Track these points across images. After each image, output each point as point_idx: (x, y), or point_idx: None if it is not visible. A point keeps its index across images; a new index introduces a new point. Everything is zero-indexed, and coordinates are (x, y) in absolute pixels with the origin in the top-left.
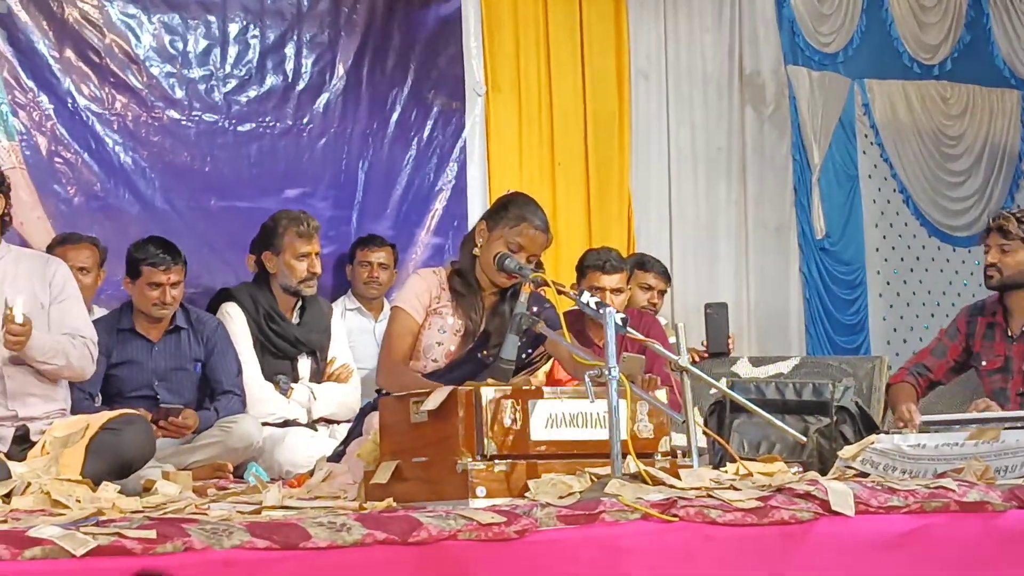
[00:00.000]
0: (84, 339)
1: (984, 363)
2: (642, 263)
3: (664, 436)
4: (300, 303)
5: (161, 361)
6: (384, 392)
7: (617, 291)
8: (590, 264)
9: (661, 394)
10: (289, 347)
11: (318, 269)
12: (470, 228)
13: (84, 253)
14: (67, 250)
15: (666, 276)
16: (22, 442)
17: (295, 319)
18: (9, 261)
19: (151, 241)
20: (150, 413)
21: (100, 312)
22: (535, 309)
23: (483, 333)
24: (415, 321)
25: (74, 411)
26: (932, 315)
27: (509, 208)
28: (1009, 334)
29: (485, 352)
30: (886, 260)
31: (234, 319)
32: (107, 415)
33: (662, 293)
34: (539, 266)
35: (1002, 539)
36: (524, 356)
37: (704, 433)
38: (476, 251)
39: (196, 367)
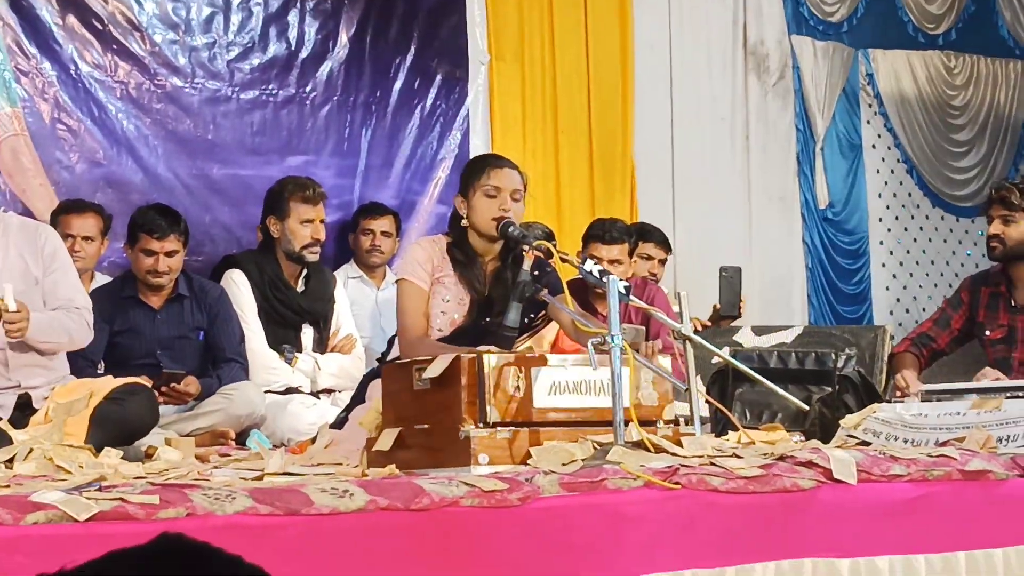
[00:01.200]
0: (79, 309)
1: (988, 333)
2: (642, 232)
3: (668, 404)
4: (305, 272)
5: (164, 329)
6: (386, 359)
7: (616, 262)
8: (591, 234)
9: (665, 361)
10: (293, 315)
11: (322, 235)
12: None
13: (90, 221)
14: (72, 218)
15: (666, 245)
16: (24, 409)
17: (300, 287)
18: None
19: (154, 208)
20: (152, 380)
21: (103, 279)
22: (536, 273)
23: (487, 299)
24: (423, 290)
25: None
26: (935, 285)
27: (472, 167)
28: (1013, 304)
29: (489, 319)
30: (889, 230)
31: (239, 286)
32: (111, 384)
33: (663, 262)
34: (550, 236)
35: (1004, 508)
36: (527, 320)
37: (707, 401)
38: (464, 223)
39: (199, 335)
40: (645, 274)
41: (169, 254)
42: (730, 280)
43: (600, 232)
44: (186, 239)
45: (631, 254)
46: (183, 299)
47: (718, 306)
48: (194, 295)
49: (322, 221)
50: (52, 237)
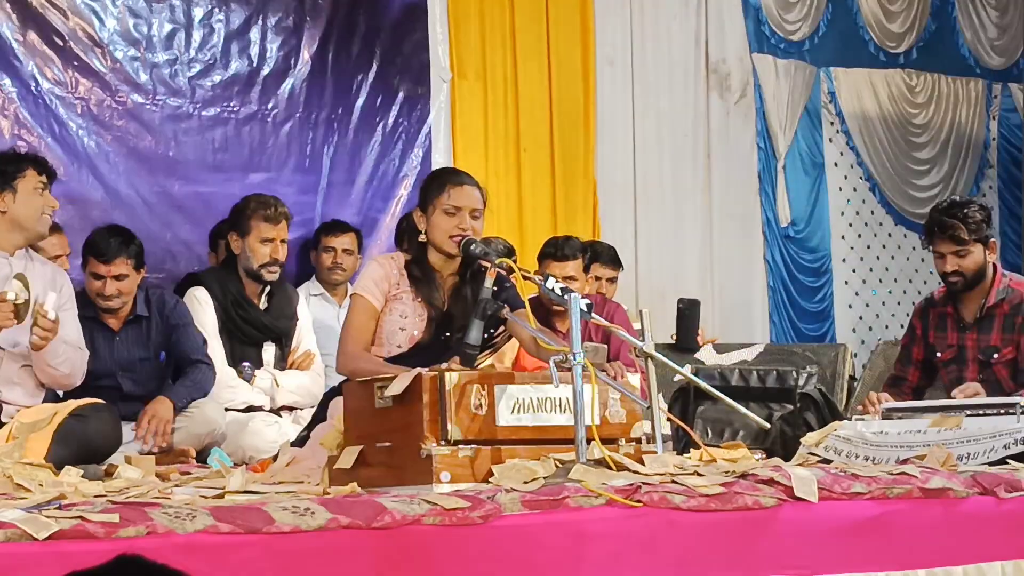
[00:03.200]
0: (81, 351)
1: (939, 354)
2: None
3: (637, 422)
4: (267, 289)
5: (124, 351)
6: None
7: (570, 279)
8: (545, 252)
9: (634, 379)
10: (256, 333)
11: (281, 255)
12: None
13: (52, 240)
14: None
15: (616, 262)
16: None
17: (263, 305)
18: (31, 263)
19: (107, 229)
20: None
21: None
22: (496, 288)
23: (446, 315)
24: (374, 307)
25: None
26: (898, 303)
27: (432, 183)
28: (962, 324)
29: (448, 334)
30: (852, 248)
31: (202, 304)
32: (75, 402)
33: (612, 280)
34: (511, 252)
35: (964, 525)
36: (486, 336)
37: (668, 419)
38: (422, 237)
39: (161, 356)
40: (594, 292)
41: (117, 277)
42: (687, 313)
43: (552, 250)
44: (138, 261)
45: (586, 270)
46: (143, 320)
47: (675, 337)
48: (153, 313)
49: (283, 241)
50: (68, 281)
